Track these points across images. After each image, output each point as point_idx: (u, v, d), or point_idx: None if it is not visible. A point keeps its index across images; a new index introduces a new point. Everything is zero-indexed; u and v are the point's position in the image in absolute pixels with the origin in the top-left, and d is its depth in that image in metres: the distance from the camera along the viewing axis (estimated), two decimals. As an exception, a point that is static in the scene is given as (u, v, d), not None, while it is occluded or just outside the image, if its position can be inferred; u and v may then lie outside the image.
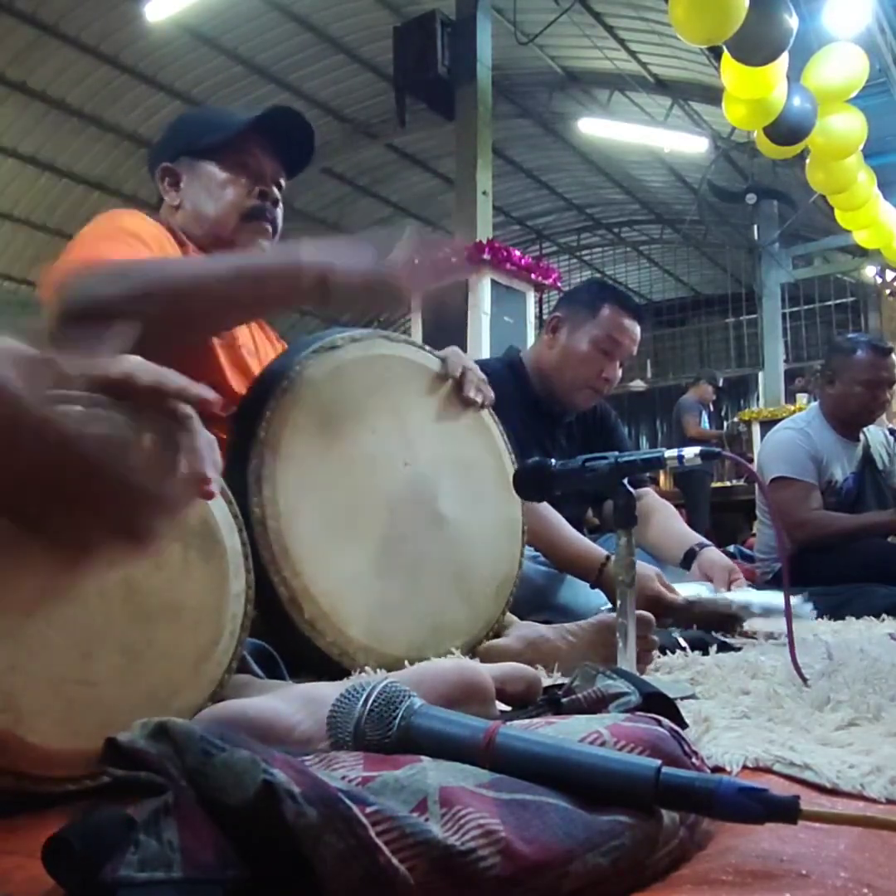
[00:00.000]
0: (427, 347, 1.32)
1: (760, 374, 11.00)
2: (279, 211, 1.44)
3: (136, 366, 0.70)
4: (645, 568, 1.52)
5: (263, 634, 1.00)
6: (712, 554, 1.90)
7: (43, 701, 0.64)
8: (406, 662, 1.05)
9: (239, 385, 1.28)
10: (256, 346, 1.44)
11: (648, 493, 2.15)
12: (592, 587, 1.70)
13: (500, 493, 1.32)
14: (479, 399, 1.32)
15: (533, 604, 1.59)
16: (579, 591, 1.75)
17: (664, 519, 2.06)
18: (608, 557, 1.67)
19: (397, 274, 1.07)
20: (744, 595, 1.72)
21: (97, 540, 0.57)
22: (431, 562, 1.21)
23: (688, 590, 1.62)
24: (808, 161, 6.00)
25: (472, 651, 1.23)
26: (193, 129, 1.45)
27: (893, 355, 2.85)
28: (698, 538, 1.98)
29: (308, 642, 1.06)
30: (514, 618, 1.38)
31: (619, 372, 2.06)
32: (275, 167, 1.43)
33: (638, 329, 2.06)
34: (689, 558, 1.89)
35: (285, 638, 1.05)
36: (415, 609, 1.17)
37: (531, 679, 0.86)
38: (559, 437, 2.11)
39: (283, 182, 1.45)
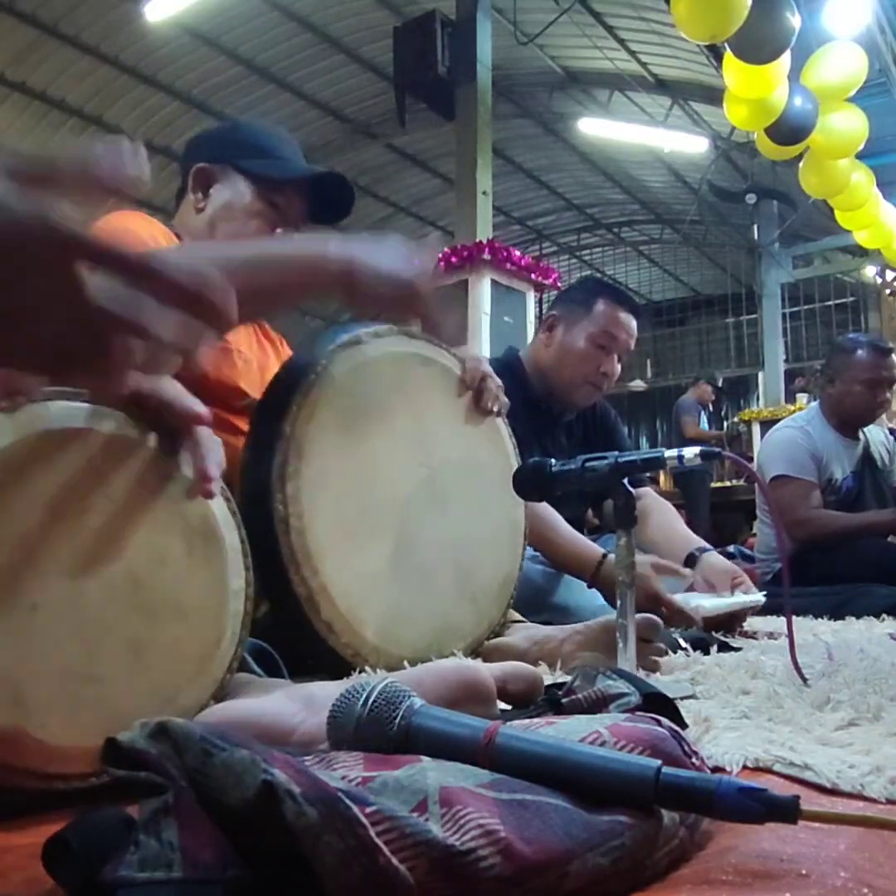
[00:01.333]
0: (444, 345, 1.31)
1: (760, 374, 11.00)
2: None
3: None
4: (642, 560, 1.51)
5: (275, 632, 1.00)
6: (713, 559, 1.88)
7: (50, 697, 0.64)
8: (408, 664, 1.05)
9: (247, 386, 1.28)
10: (260, 348, 1.44)
11: (648, 493, 2.14)
12: (589, 586, 1.70)
13: (504, 494, 1.31)
14: (496, 409, 1.33)
15: (533, 604, 1.59)
16: (578, 592, 1.75)
17: (664, 519, 2.05)
18: (605, 555, 1.67)
19: (420, 280, 1.05)
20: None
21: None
22: (440, 563, 1.21)
23: (692, 600, 1.61)
24: (801, 165, 6.00)
25: (474, 651, 1.23)
26: (246, 147, 1.42)
27: (894, 355, 2.85)
28: (699, 541, 1.97)
29: (323, 642, 1.06)
30: (519, 616, 1.39)
31: (618, 367, 2.05)
32: (303, 215, 1.42)
33: (634, 323, 2.05)
34: (689, 563, 1.89)
35: (299, 636, 1.05)
36: (425, 610, 1.17)
37: (532, 678, 0.86)
38: (559, 435, 2.11)
39: (302, 229, 1.45)
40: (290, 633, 1.03)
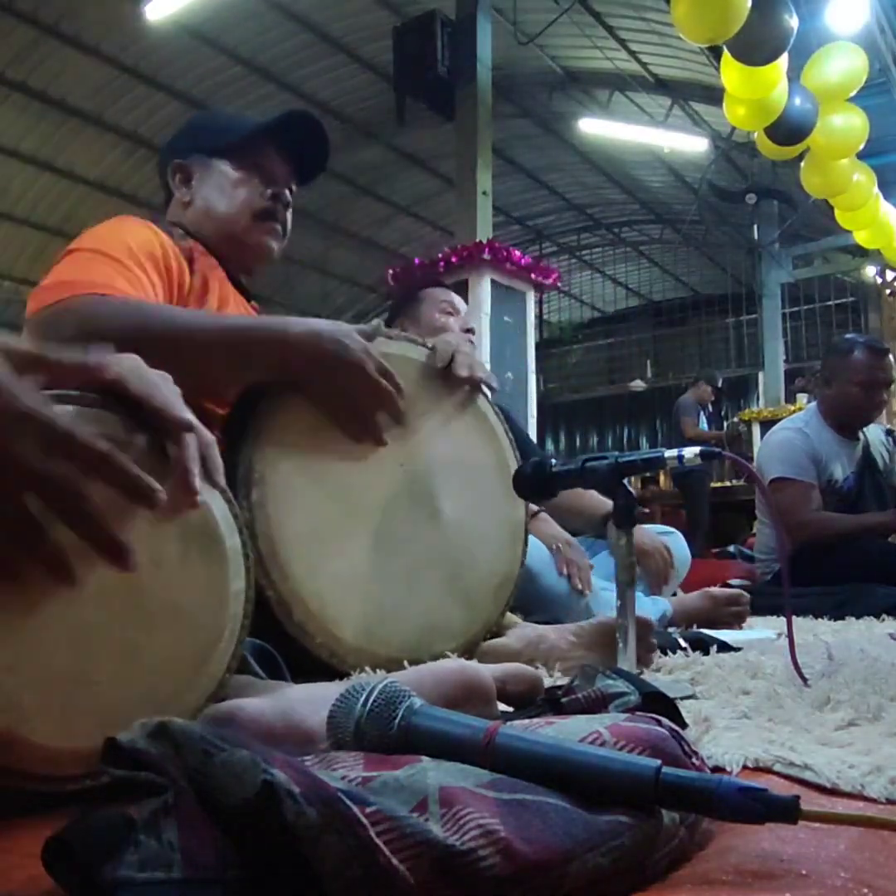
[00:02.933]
0: (428, 343, 1.31)
1: (760, 374, 11.00)
2: (289, 214, 1.45)
3: (130, 371, 0.70)
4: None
5: (255, 636, 1.00)
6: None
7: (43, 700, 0.64)
8: (404, 663, 1.05)
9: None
10: None
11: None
12: None
13: (501, 493, 1.31)
14: (475, 376, 1.29)
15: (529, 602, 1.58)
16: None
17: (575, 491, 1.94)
18: (536, 513, 1.71)
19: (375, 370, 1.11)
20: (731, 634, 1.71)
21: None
22: (427, 563, 1.21)
23: None
24: (803, 165, 5.99)
25: (469, 652, 1.23)
26: (208, 129, 1.47)
27: (890, 356, 2.85)
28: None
29: (297, 644, 1.06)
30: (516, 618, 1.38)
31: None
32: (288, 171, 1.44)
33: None
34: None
35: (276, 640, 1.04)
36: (409, 611, 1.17)
37: (533, 679, 0.86)
38: None
39: (294, 187, 1.46)
40: (267, 637, 1.03)
